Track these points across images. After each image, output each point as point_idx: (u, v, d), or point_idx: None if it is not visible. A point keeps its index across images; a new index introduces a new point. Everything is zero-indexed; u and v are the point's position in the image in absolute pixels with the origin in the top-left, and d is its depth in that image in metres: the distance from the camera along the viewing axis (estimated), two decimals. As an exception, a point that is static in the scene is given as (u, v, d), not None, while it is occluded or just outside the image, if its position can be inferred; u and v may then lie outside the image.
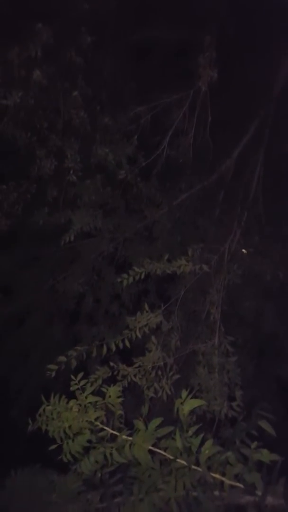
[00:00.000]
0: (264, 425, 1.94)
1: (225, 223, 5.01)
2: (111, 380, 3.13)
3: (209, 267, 4.04)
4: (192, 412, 2.53)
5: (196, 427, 1.92)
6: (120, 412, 2.04)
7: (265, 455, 1.68)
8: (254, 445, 1.75)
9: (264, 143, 5.30)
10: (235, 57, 5.06)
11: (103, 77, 4.95)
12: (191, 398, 2.01)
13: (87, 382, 2.16)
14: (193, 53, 4.53)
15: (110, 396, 2.04)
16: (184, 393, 1.88)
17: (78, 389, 2.05)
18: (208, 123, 4.44)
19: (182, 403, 1.88)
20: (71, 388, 2.04)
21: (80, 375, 2.08)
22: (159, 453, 1.95)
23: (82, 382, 2.08)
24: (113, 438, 2.01)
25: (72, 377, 2.07)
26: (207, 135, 4.66)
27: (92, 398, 2.05)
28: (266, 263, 4.32)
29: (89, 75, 4.79)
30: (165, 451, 1.94)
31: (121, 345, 3.04)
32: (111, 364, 3.00)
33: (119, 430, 2.02)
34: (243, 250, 4.05)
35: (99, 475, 1.97)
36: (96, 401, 2.11)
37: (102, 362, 3.47)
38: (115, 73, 5.02)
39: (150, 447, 1.95)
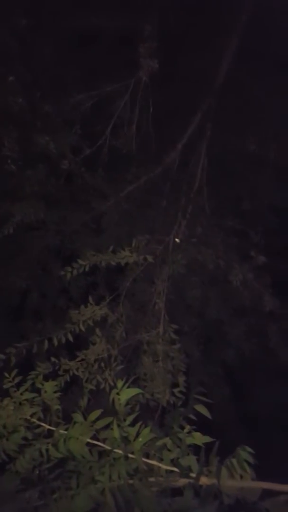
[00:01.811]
0: (200, 408, 1.99)
1: (171, 214, 5.08)
2: (56, 376, 3.08)
3: (154, 257, 4.08)
4: (135, 401, 2.56)
5: (133, 415, 1.94)
6: (57, 407, 2.01)
7: (197, 438, 1.73)
8: (187, 429, 1.80)
9: (206, 136, 5.41)
10: (177, 48, 5.10)
11: (43, 63, 4.77)
12: (130, 387, 2.02)
13: (24, 379, 2.10)
14: (136, 42, 4.50)
15: (46, 392, 1.99)
16: (120, 383, 1.88)
17: (12, 386, 1.98)
18: (150, 114, 4.44)
19: (118, 393, 1.87)
20: (4, 386, 1.97)
21: (14, 372, 2.01)
22: (98, 445, 1.94)
23: (17, 379, 2.02)
24: (51, 433, 1.97)
25: (6, 374, 2.00)
26: (150, 126, 4.66)
27: (28, 395, 1.99)
28: (209, 252, 4.44)
29: (28, 61, 4.60)
30: (104, 442, 1.94)
31: (63, 340, 2.98)
32: (52, 359, 2.94)
33: (57, 425, 1.98)
34: (176, 240, 4.13)
35: (37, 472, 1.93)
36: (34, 397, 2.06)
37: (50, 357, 3.40)
38: (56, 60, 4.86)
39: (89, 440, 1.94)
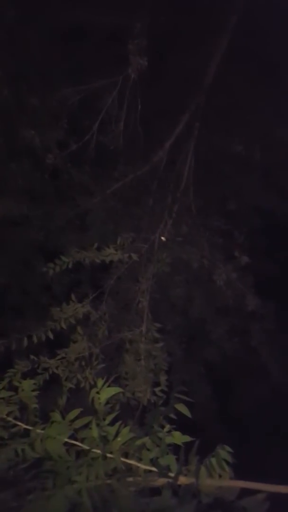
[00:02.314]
0: (181, 407, 1.98)
1: (157, 213, 5.06)
2: (35, 374, 3.03)
3: (139, 256, 4.06)
4: (115, 399, 2.53)
5: (113, 415, 1.91)
6: (35, 405, 1.96)
7: (177, 438, 1.71)
8: (167, 428, 1.78)
9: (194, 136, 5.42)
10: (167, 47, 5.08)
11: (30, 56, 4.69)
12: (111, 386, 1.99)
13: (1, 377, 2.05)
14: (125, 39, 4.46)
15: (23, 390, 1.95)
16: (100, 382, 1.85)
17: (-12, 384, 1.93)
18: (138, 111, 4.41)
19: (98, 392, 1.84)
20: (-21, 385, 1.91)
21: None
22: (76, 445, 1.91)
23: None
24: (27, 433, 1.93)
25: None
26: (138, 124, 4.63)
27: (4, 393, 1.94)
28: (193, 251, 4.44)
29: (15, 53, 4.51)
30: (82, 442, 1.91)
31: (43, 337, 2.93)
32: (32, 357, 2.89)
33: (34, 424, 1.94)
34: (162, 238, 4.12)
35: (12, 472, 1.88)
36: (10, 396, 2.01)
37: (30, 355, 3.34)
38: (44, 53, 4.78)
39: (67, 439, 1.91)
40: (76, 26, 4.98)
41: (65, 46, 4.91)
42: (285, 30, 4.50)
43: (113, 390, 1.87)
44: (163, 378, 3.16)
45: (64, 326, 3.14)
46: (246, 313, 4.46)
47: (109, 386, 1.96)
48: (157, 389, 3.05)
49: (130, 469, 1.78)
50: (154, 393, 3.04)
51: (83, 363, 3.00)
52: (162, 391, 3.05)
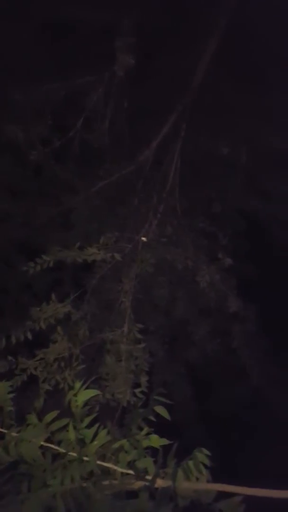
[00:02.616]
0: (160, 410, 1.96)
1: (142, 213, 5.04)
2: (13, 375, 2.96)
3: (122, 256, 4.03)
4: (95, 401, 2.49)
5: (91, 417, 1.88)
6: (10, 408, 1.91)
7: (154, 441, 1.69)
8: (144, 431, 1.75)
9: (181, 136, 5.42)
10: (155, 46, 5.06)
11: (14, 50, 4.60)
12: (90, 387, 1.95)
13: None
14: (113, 36, 4.42)
15: (-2, 392, 1.89)
16: (77, 384, 1.81)
17: None
18: (124, 110, 4.37)
19: (75, 395, 1.81)
20: None
21: None
22: (52, 448, 1.87)
23: None
24: (2, 436, 1.87)
25: None
26: (124, 122, 4.60)
27: (-22, 395, 1.88)
28: (178, 252, 4.44)
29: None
30: (59, 445, 1.87)
31: (22, 338, 2.87)
32: (9, 358, 2.82)
33: (9, 427, 1.89)
34: (143, 238, 4.10)
35: (-15, 476, 1.82)
36: (-14, 398, 1.95)
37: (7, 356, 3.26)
38: (28, 47, 4.70)
39: (43, 442, 1.87)
40: (63, 20, 4.91)
41: (50, 41, 4.83)
42: (275, 32, 4.53)
43: (91, 393, 1.84)
44: (143, 379, 3.14)
45: (43, 326, 3.08)
46: (228, 314, 4.48)
47: (88, 387, 1.93)
48: (137, 390, 3.02)
49: (107, 472, 1.75)
50: (134, 394, 3.01)
51: (62, 364, 2.94)
52: (142, 392, 3.02)
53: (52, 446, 1.84)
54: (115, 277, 4.44)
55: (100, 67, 4.58)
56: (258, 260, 5.08)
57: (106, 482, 1.68)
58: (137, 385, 3.19)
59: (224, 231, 4.88)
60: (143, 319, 4.32)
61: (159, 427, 2.00)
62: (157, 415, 2.00)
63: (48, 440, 1.87)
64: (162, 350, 4.69)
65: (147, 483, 1.69)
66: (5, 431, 1.84)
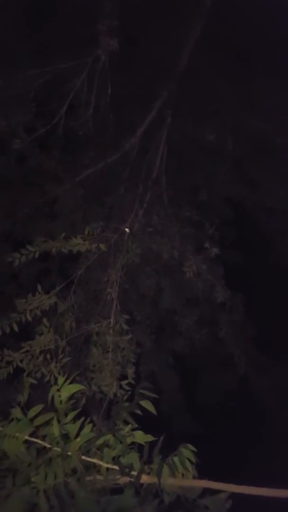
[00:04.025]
0: (145, 404, 1.94)
1: (128, 202, 4.97)
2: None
3: (108, 246, 3.97)
4: (81, 393, 2.45)
5: (75, 412, 1.84)
6: (-7, 403, 1.87)
7: (139, 437, 1.67)
8: (128, 428, 1.73)
9: (167, 123, 5.32)
10: (139, 31, 4.93)
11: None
12: (76, 380, 1.92)
13: None
14: (96, 19, 4.27)
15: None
16: (60, 379, 1.77)
17: None
18: (108, 96, 4.26)
19: (59, 390, 1.77)
20: None
21: None
22: (37, 442, 1.83)
23: None
24: (-15, 432, 1.83)
25: None
26: (108, 109, 4.49)
27: None
28: (164, 242, 4.40)
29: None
30: (43, 439, 1.84)
31: (7, 330, 2.81)
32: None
33: (-8, 422, 1.85)
34: (126, 229, 4.05)
35: None
36: None
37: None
38: (8, 32, 4.51)
39: (27, 437, 1.83)
40: (43, 3, 4.73)
41: (31, 25, 4.66)
42: (261, 18, 4.45)
43: (74, 388, 1.80)
44: (130, 371, 3.12)
45: (29, 318, 3.02)
46: (216, 304, 4.47)
47: (74, 380, 1.90)
48: (124, 382, 3.00)
49: (92, 467, 1.73)
50: (120, 386, 2.99)
51: (48, 356, 2.90)
52: (129, 384, 3.01)
53: (37, 440, 1.81)
54: (101, 267, 4.39)
55: (83, 51, 4.44)
56: (245, 249, 5.08)
57: (90, 478, 1.65)
58: (124, 376, 3.17)
59: (210, 220, 4.84)
60: (129, 310, 4.30)
61: (146, 417, 1.98)
62: (143, 408, 1.98)
63: (32, 434, 1.84)
64: (149, 340, 4.68)
65: (132, 479, 1.67)
66: (-13, 427, 1.80)
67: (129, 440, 1.68)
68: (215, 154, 5.32)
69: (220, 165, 5.33)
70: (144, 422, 1.96)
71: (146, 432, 1.82)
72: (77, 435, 1.79)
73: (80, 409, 1.84)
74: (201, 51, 4.86)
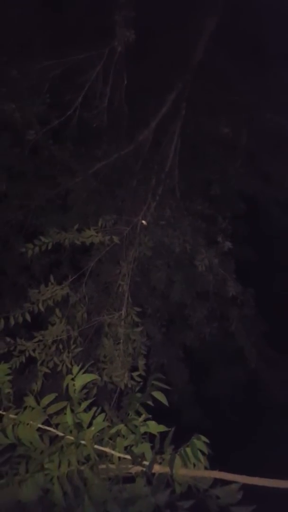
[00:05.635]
0: (157, 395, 1.96)
1: (140, 195, 4.96)
2: (11, 356, 2.97)
3: (121, 238, 3.98)
4: (92, 383, 2.49)
5: (88, 402, 1.87)
6: (8, 390, 1.91)
7: (152, 427, 1.69)
8: (142, 418, 1.75)
9: (181, 116, 5.28)
10: (156, 23, 4.87)
11: (10, 26, 4.41)
12: (88, 370, 1.95)
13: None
14: (112, 11, 4.24)
15: (-5, 375, 1.88)
16: (75, 368, 1.80)
17: None
18: (124, 88, 4.24)
19: (73, 379, 1.80)
20: None
21: None
22: (50, 431, 1.87)
23: None
24: (1, 418, 1.87)
25: None
26: (123, 101, 4.47)
27: (-24, 378, 1.87)
28: (176, 235, 4.39)
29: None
30: (56, 428, 1.87)
31: (20, 319, 2.85)
32: (7, 339, 2.81)
33: (7, 409, 1.89)
34: (143, 222, 4.05)
35: (-17, 458, 1.83)
36: (-17, 381, 1.94)
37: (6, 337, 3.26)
38: (24, 23, 4.50)
39: (40, 425, 1.87)
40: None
41: (47, 16, 4.64)
42: (277, 10, 4.37)
43: (89, 377, 1.83)
44: (141, 363, 3.15)
45: (42, 308, 3.06)
46: (226, 298, 4.47)
47: (86, 370, 1.92)
48: (135, 374, 3.03)
49: (104, 456, 1.76)
50: (132, 378, 3.02)
51: (60, 346, 2.94)
52: (140, 375, 3.04)
53: (50, 429, 1.84)
54: (113, 260, 4.41)
55: (99, 43, 4.42)
56: (257, 243, 5.05)
57: (103, 466, 1.69)
58: (135, 368, 3.20)
59: (223, 214, 4.82)
60: (141, 302, 4.32)
61: (157, 409, 2.00)
62: (155, 399, 2.01)
63: (46, 422, 1.88)
64: (159, 333, 4.70)
65: (144, 469, 1.69)
66: (3, 413, 1.84)
67: (142, 430, 1.70)
68: (228, 147, 5.27)
69: (233, 158, 5.28)
70: (154, 413, 1.99)
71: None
72: (90, 424, 1.82)
73: (94, 398, 1.87)
74: (217, 43, 4.79)
